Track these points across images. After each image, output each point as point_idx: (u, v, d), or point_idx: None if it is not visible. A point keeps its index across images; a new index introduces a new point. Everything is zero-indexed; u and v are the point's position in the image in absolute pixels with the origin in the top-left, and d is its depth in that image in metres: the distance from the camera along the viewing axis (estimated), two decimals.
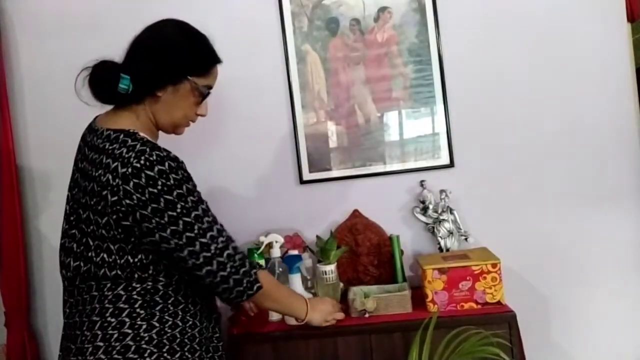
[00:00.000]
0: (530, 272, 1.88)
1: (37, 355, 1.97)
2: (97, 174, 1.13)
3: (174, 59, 1.20)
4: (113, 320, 1.13)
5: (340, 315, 1.56)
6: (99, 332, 1.12)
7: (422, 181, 1.89)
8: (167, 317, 1.17)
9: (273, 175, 1.97)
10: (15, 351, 1.92)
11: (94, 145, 1.20)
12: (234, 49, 1.98)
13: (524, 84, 1.89)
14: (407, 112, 1.92)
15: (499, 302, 1.58)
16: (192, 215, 1.14)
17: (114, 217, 1.11)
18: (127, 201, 1.09)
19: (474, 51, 1.90)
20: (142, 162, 1.10)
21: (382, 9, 1.91)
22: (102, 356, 1.11)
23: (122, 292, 1.14)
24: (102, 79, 1.19)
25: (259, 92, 1.97)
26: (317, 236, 1.80)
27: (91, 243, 1.14)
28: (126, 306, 1.14)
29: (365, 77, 1.93)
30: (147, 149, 1.12)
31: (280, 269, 1.72)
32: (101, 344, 1.12)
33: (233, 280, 1.20)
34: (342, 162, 1.94)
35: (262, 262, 1.76)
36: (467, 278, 1.59)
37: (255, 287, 1.23)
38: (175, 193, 1.11)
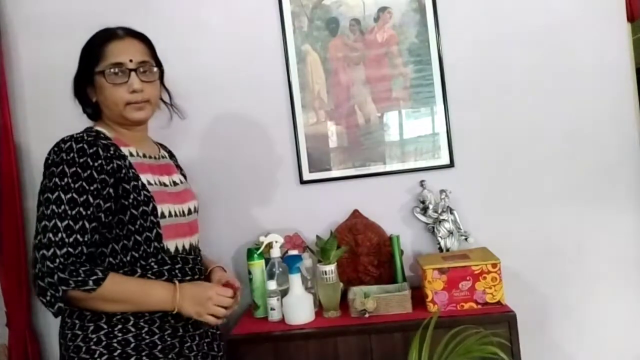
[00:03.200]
0: (530, 272, 1.88)
1: (38, 355, 1.97)
2: None
3: (79, 66, 1.34)
4: (68, 320, 1.21)
5: (216, 310, 1.25)
6: (60, 330, 1.23)
7: (422, 181, 1.89)
8: (114, 321, 1.18)
9: (273, 175, 1.97)
10: (17, 351, 1.92)
11: None
12: (234, 48, 1.98)
13: (524, 84, 1.89)
14: (407, 112, 1.92)
15: (499, 302, 1.58)
16: (45, 195, 1.15)
17: None
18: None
19: (474, 51, 1.90)
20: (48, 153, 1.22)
21: (382, 9, 1.91)
22: (64, 352, 1.21)
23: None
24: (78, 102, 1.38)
25: (259, 92, 1.97)
26: (317, 236, 1.80)
27: None
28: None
29: (365, 77, 1.93)
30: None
31: (280, 269, 1.72)
32: (62, 341, 1.22)
33: (38, 287, 1.11)
34: (342, 162, 1.94)
35: (262, 262, 1.76)
36: (467, 278, 1.59)
37: (55, 307, 1.11)
38: (50, 170, 1.17)
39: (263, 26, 1.95)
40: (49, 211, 1.12)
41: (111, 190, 1.18)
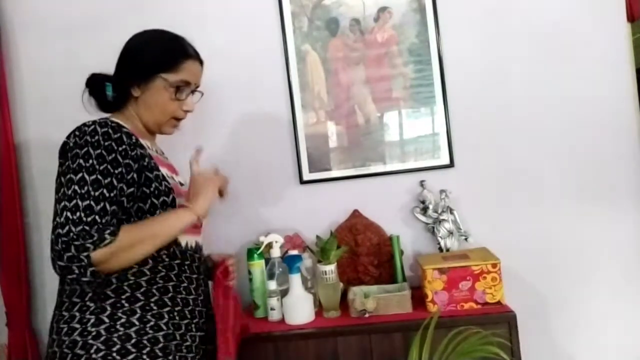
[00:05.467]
0: (530, 272, 1.88)
1: (38, 355, 1.97)
2: None
3: (142, 56, 1.31)
4: (65, 314, 1.16)
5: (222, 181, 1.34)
6: (54, 325, 1.18)
7: (422, 181, 1.89)
8: (119, 314, 1.15)
9: (273, 175, 1.97)
10: (17, 351, 1.92)
11: None
12: (234, 48, 1.98)
13: (523, 83, 1.89)
14: (407, 112, 1.92)
15: (499, 302, 1.58)
16: (67, 177, 1.13)
17: None
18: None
19: (474, 51, 1.90)
20: (66, 138, 1.21)
21: (382, 9, 1.91)
22: (56, 349, 1.15)
23: (76, 286, 1.15)
24: (94, 90, 1.35)
25: (259, 92, 1.97)
26: (317, 236, 1.80)
27: None
28: (78, 300, 1.15)
29: (365, 77, 1.93)
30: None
31: (280, 269, 1.72)
32: (55, 337, 1.16)
33: (59, 268, 1.06)
34: (342, 162, 1.94)
35: (262, 262, 1.76)
36: (467, 278, 1.59)
37: (88, 273, 1.05)
38: (73, 152, 1.15)
39: (263, 26, 1.95)
40: (70, 191, 1.10)
41: (135, 176, 1.18)
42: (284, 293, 1.67)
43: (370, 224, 1.89)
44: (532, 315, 1.83)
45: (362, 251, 1.86)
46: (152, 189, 1.19)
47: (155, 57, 1.30)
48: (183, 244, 1.28)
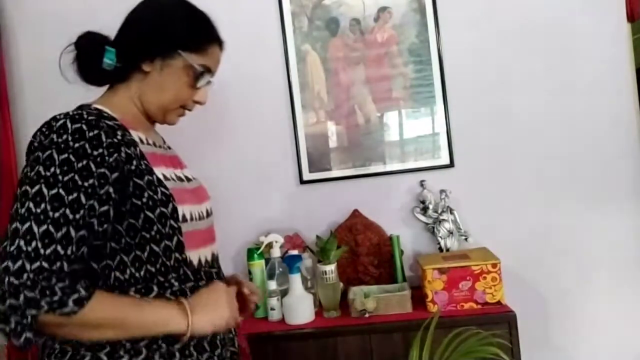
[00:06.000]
0: (530, 272, 1.88)
1: (38, 356, 1.97)
2: None
3: (165, 28, 1.05)
4: (57, 347, 0.99)
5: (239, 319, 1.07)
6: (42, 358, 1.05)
7: (422, 181, 1.89)
8: (121, 352, 0.93)
9: (273, 175, 1.97)
10: (16, 352, 1.92)
11: None
12: (234, 49, 1.97)
13: (523, 83, 1.89)
14: (407, 112, 1.92)
15: (499, 302, 1.58)
16: (22, 189, 0.88)
17: None
18: None
19: (474, 51, 1.90)
20: (40, 130, 0.96)
21: (382, 9, 1.91)
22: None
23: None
24: (85, 54, 1.06)
25: (259, 92, 1.97)
26: (317, 236, 1.80)
27: None
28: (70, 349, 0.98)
29: (365, 77, 1.93)
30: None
31: (280, 269, 1.72)
32: None
33: None
34: (342, 162, 1.94)
35: (262, 262, 1.76)
36: (467, 278, 1.59)
37: (22, 339, 0.86)
38: (34, 156, 0.90)
39: (263, 26, 1.95)
40: (23, 210, 0.85)
41: (111, 190, 0.90)
42: (284, 293, 1.67)
43: (370, 224, 1.89)
44: (532, 315, 1.83)
45: (362, 251, 1.86)
46: (144, 200, 0.94)
47: (181, 30, 1.05)
48: (196, 261, 1.02)
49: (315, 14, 1.93)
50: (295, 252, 1.76)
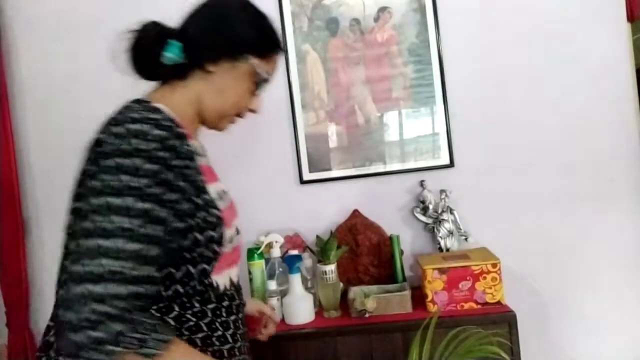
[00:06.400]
0: (530, 272, 1.88)
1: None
2: None
3: (237, 29, 0.99)
4: None
5: None
6: None
7: (422, 181, 1.89)
8: None
9: (273, 175, 1.97)
10: (17, 351, 1.92)
11: None
12: None
13: (524, 84, 1.89)
14: (407, 112, 1.92)
15: (499, 302, 1.58)
16: (100, 199, 0.79)
17: None
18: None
19: (474, 51, 1.90)
20: (112, 117, 0.89)
21: (382, 9, 1.91)
22: None
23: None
24: (147, 43, 0.99)
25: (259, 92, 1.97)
26: (317, 236, 1.80)
27: None
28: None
29: (365, 77, 1.93)
30: (131, 106, 0.90)
31: (280, 269, 1.72)
32: None
33: (67, 340, 0.74)
34: (342, 162, 1.94)
35: (262, 262, 1.76)
36: (467, 278, 1.59)
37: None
38: (113, 161, 0.81)
39: None
40: (106, 222, 0.76)
41: (186, 207, 0.86)
42: (284, 293, 1.67)
43: (370, 224, 1.89)
44: (532, 315, 1.83)
45: (362, 251, 1.86)
46: (198, 220, 0.87)
47: (253, 33, 1.00)
48: (222, 283, 0.95)
49: (315, 14, 1.93)
50: (295, 252, 1.76)
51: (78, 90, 2.01)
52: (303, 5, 1.93)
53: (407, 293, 1.63)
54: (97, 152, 0.83)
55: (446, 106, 1.90)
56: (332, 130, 1.94)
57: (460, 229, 1.85)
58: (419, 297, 1.66)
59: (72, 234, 0.82)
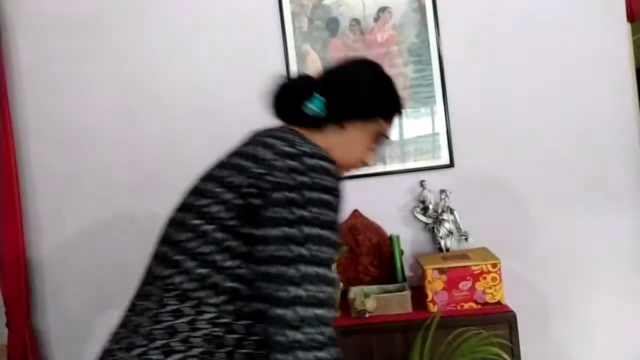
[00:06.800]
0: (530, 272, 1.88)
1: (37, 355, 1.97)
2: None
3: (374, 95, 1.11)
4: None
5: None
6: None
7: (422, 181, 1.89)
8: None
9: None
10: (17, 351, 1.92)
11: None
12: (234, 49, 1.98)
13: (523, 84, 1.89)
14: (407, 112, 1.92)
15: (499, 302, 1.58)
16: (312, 230, 0.86)
17: None
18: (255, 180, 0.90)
19: (473, 51, 1.90)
20: (295, 148, 0.93)
21: (382, 9, 1.91)
22: None
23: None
24: (294, 92, 1.10)
25: (259, 92, 1.97)
26: None
27: None
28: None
29: None
30: (309, 143, 0.96)
31: None
32: None
33: (299, 347, 0.80)
34: None
35: None
36: (467, 278, 1.59)
37: None
38: (313, 194, 0.88)
39: (263, 26, 1.95)
40: (319, 251, 0.85)
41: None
42: None
43: (370, 224, 1.89)
44: (532, 315, 1.83)
45: (362, 251, 1.86)
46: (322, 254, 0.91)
47: (385, 99, 1.13)
48: None
49: (315, 14, 1.93)
50: None
51: (78, 89, 2.01)
52: (303, 5, 1.93)
53: (407, 293, 1.63)
54: (301, 182, 0.89)
55: (446, 106, 1.90)
56: None
57: (460, 229, 1.85)
58: (419, 297, 1.66)
59: (276, 258, 0.85)
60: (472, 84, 1.90)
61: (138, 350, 0.85)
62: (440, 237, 1.84)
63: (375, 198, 1.92)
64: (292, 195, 0.87)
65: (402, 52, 1.91)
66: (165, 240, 0.98)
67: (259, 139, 1.00)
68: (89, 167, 1.99)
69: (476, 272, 1.58)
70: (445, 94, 1.90)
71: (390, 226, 1.89)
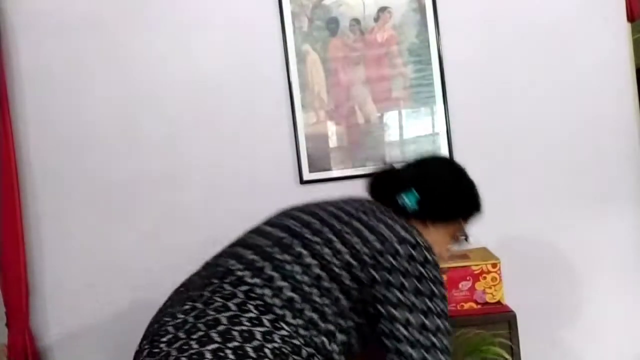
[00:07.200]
0: (530, 272, 1.88)
1: (37, 355, 1.97)
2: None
3: (463, 201, 1.21)
4: None
5: None
6: None
7: None
8: None
9: (273, 175, 1.97)
10: (16, 351, 1.92)
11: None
12: (234, 49, 1.98)
13: (524, 84, 1.89)
14: (407, 112, 1.92)
15: (499, 302, 1.58)
16: (438, 322, 0.98)
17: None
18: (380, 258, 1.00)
19: (474, 51, 1.90)
20: (413, 238, 1.03)
21: (382, 9, 1.91)
22: None
23: None
24: (396, 180, 1.20)
25: (259, 92, 1.97)
26: None
27: None
28: None
29: (365, 77, 1.93)
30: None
31: None
32: None
33: None
34: (342, 162, 1.94)
35: None
36: (467, 278, 1.59)
37: None
38: (434, 287, 1.00)
39: (263, 26, 1.95)
40: (447, 341, 0.99)
41: None
42: None
43: None
44: (532, 315, 1.83)
45: None
46: None
47: (468, 203, 1.23)
48: None
49: (315, 14, 1.93)
50: None
51: (78, 89, 2.01)
52: (303, 5, 1.93)
53: None
54: (422, 273, 1.00)
55: (446, 106, 1.90)
56: (332, 130, 1.94)
57: None
58: None
59: (416, 342, 0.97)
60: (472, 84, 1.90)
61: (213, 346, 0.88)
62: None
63: None
64: (420, 286, 0.98)
65: (402, 52, 1.91)
66: (255, 248, 1.04)
67: (377, 214, 1.07)
68: (89, 167, 1.99)
69: (476, 272, 1.58)
70: (445, 94, 1.90)
71: None
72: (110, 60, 1.99)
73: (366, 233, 1.02)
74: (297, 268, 0.98)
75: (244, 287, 0.96)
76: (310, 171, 1.95)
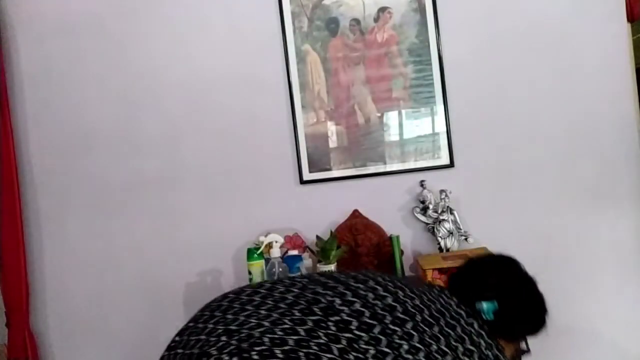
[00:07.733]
0: (530, 272, 1.87)
1: (37, 355, 1.97)
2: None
3: (534, 320, 1.21)
4: None
5: None
6: None
7: (422, 181, 1.89)
8: None
9: (273, 175, 1.97)
10: (16, 351, 1.92)
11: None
12: (234, 49, 1.98)
13: (524, 84, 1.89)
14: (407, 112, 1.92)
15: None
16: None
17: None
18: None
19: (474, 51, 1.90)
20: (498, 354, 1.04)
21: (382, 9, 1.91)
22: None
23: None
24: (483, 286, 1.15)
25: (259, 92, 1.97)
26: (317, 236, 1.80)
27: None
28: None
29: (365, 77, 1.93)
30: None
31: (280, 269, 1.72)
32: None
33: None
34: (342, 162, 1.94)
35: (262, 262, 1.76)
36: None
37: None
38: None
39: (263, 26, 1.95)
40: None
41: None
42: None
43: (370, 224, 1.89)
44: None
45: (362, 251, 1.86)
46: None
47: (538, 324, 1.22)
48: None
49: (315, 14, 1.93)
50: (295, 252, 1.76)
51: (78, 90, 2.01)
52: (303, 5, 1.93)
53: None
54: None
55: (446, 106, 1.90)
56: (332, 130, 1.94)
57: (460, 229, 1.85)
58: None
59: None
60: (472, 84, 1.90)
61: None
62: (440, 237, 1.84)
63: (375, 198, 1.92)
64: None
65: (402, 52, 1.91)
66: (354, 291, 1.00)
67: (471, 322, 1.05)
68: (89, 168, 1.99)
69: None
70: (445, 94, 1.90)
71: (390, 226, 1.89)
72: (111, 60, 1.99)
73: (459, 333, 1.00)
74: (389, 317, 0.95)
75: (326, 309, 0.94)
76: (310, 171, 1.95)
